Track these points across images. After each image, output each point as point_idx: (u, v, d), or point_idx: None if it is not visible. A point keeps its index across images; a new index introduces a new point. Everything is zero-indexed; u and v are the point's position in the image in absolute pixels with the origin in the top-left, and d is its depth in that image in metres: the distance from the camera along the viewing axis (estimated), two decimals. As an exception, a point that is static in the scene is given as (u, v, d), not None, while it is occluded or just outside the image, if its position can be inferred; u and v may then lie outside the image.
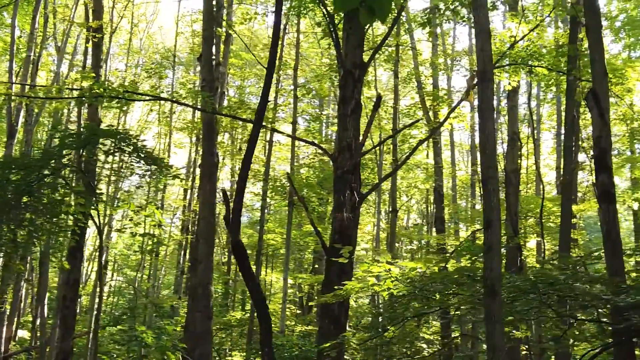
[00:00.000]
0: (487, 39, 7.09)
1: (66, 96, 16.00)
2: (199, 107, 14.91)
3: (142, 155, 12.05)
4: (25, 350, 22.44)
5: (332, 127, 27.52)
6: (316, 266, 25.85)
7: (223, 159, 27.13)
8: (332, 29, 12.32)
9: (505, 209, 14.10)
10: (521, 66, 14.57)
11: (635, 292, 6.82)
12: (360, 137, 11.97)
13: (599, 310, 7.65)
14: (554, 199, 19.41)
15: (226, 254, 30.98)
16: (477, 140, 25.60)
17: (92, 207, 12.78)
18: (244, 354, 21.55)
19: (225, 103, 17.29)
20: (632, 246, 17.26)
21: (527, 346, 13.06)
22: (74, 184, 14.19)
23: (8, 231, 12.15)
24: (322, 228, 17.67)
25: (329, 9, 12.73)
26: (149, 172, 13.10)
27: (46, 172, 11.78)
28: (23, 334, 25.17)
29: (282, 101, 24.96)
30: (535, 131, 23.59)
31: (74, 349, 18.14)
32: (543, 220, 15.76)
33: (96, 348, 13.52)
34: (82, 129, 15.95)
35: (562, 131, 18.48)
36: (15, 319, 21.06)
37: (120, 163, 15.11)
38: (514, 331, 10.28)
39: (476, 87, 10.19)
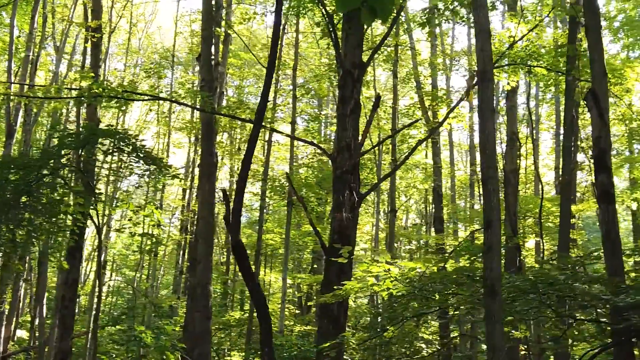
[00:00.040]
0: (487, 39, 7.09)
1: (65, 96, 15.98)
2: (198, 107, 14.91)
3: (141, 155, 12.04)
4: (23, 350, 22.42)
5: (331, 127, 27.51)
6: (315, 266, 25.84)
7: (222, 158, 27.12)
8: (331, 29, 12.32)
9: (504, 209, 14.10)
10: (520, 66, 14.58)
11: (634, 292, 6.83)
12: (360, 137, 11.97)
13: (598, 310, 7.65)
14: (552, 199, 19.42)
15: (225, 253, 30.97)
16: (476, 140, 25.65)
17: (91, 207, 12.78)
18: (243, 354, 21.56)
19: (224, 103, 17.30)
20: (630, 246, 17.27)
21: (525, 346, 13.05)
22: (73, 184, 14.20)
23: (7, 231, 12.14)
24: (320, 228, 17.67)
25: (328, 8, 12.73)
26: (148, 172, 13.09)
27: (45, 172, 11.77)
28: (22, 333, 25.16)
29: (281, 101, 24.97)
30: (534, 131, 23.60)
31: (73, 349, 18.12)
32: (542, 220, 15.77)
33: (95, 348, 13.51)
34: (81, 129, 15.95)
35: (561, 131, 18.48)
36: (14, 319, 21.05)
37: (119, 163, 15.08)
38: (512, 331, 10.28)
39: (476, 87, 10.20)
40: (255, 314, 16.40)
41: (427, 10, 14.96)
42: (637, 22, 23.31)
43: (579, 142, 16.41)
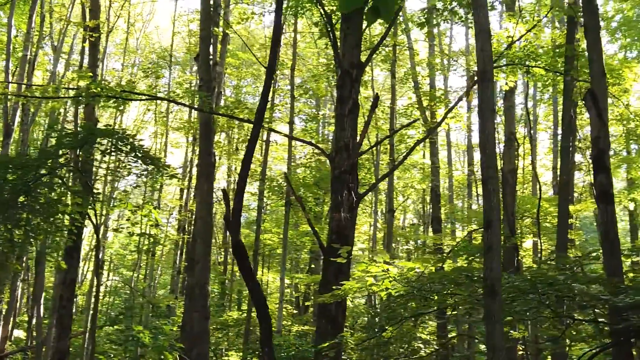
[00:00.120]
0: (487, 39, 7.08)
1: (63, 95, 15.95)
2: (196, 106, 14.89)
3: (139, 155, 12.02)
4: (21, 350, 22.36)
5: (330, 127, 27.52)
6: (313, 266, 25.84)
7: (220, 158, 27.10)
8: (329, 29, 12.30)
9: (502, 209, 14.10)
10: (518, 66, 14.59)
11: (633, 293, 6.83)
12: (358, 137, 11.96)
13: (597, 310, 7.65)
14: (550, 199, 19.43)
15: (223, 253, 30.96)
16: (473, 140, 25.69)
17: (89, 207, 12.75)
18: (241, 353, 21.55)
19: (222, 103, 17.29)
20: (628, 246, 17.29)
21: (523, 346, 13.07)
22: (70, 184, 14.17)
23: (5, 230, 12.11)
24: (318, 228, 17.67)
25: (326, 8, 12.72)
26: (145, 172, 13.07)
27: (43, 171, 11.75)
28: (19, 333, 25.09)
29: (279, 101, 24.96)
30: (532, 131, 23.62)
31: (71, 349, 18.07)
32: (540, 221, 15.78)
33: (93, 348, 13.46)
34: (79, 129, 15.91)
35: (559, 131, 18.51)
36: (12, 319, 21.02)
37: (117, 162, 15.05)
38: (511, 331, 10.29)
39: (476, 87, 10.20)
40: (253, 314, 16.42)
41: (426, 10, 14.97)
42: (634, 23, 23.35)
43: (576, 143, 16.43)
